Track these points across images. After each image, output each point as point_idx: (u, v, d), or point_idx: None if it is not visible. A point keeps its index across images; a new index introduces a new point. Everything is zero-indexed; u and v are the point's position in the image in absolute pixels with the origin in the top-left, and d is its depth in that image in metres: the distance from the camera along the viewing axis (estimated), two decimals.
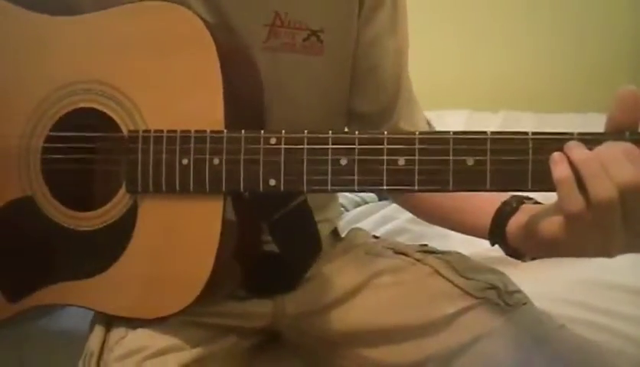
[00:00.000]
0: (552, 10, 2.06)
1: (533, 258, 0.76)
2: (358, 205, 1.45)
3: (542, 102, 1.99)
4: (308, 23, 0.82)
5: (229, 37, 0.78)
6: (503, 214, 0.76)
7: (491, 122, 1.88)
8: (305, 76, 0.85)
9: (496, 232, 0.77)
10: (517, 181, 0.63)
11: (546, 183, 0.62)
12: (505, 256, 1.15)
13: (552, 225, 0.64)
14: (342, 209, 1.35)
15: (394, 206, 1.35)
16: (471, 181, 0.64)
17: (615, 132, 0.61)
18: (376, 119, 0.92)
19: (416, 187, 0.65)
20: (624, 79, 2.09)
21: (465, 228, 0.86)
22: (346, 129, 0.95)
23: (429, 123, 1.00)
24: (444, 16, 2.07)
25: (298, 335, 0.87)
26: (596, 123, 1.95)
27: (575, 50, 2.08)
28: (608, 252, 0.62)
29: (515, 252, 0.76)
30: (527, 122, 1.88)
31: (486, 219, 0.78)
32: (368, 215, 1.39)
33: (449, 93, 1.99)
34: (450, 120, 1.82)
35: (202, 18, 0.72)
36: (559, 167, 0.60)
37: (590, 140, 0.62)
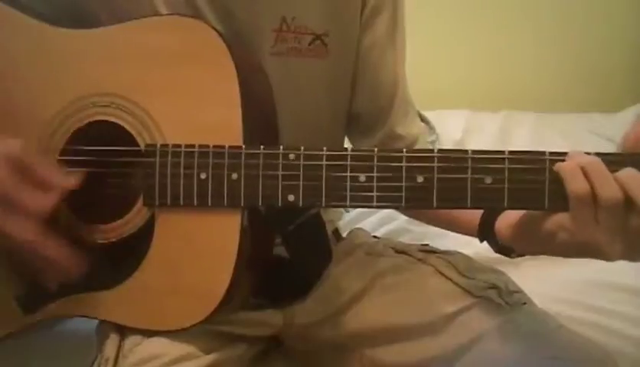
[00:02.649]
0: (552, 10, 2.06)
1: (520, 255, 0.78)
2: None
3: (542, 102, 2.00)
4: (313, 27, 0.84)
5: (243, 50, 0.78)
6: (491, 213, 0.78)
7: (491, 122, 1.88)
8: (310, 80, 0.86)
9: (485, 230, 0.79)
10: (534, 200, 0.64)
11: (562, 201, 0.63)
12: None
13: (555, 221, 0.66)
14: (342, 210, 1.35)
15: None
16: (489, 199, 0.65)
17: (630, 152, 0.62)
18: (370, 122, 0.93)
19: (435, 204, 0.66)
20: (624, 79, 2.10)
21: (458, 227, 0.88)
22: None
23: (428, 123, 1.00)
24: (444, 16, 2.06)
25: (303, 341, 0.88)
26: (597, 123, 1.96)
27: (575, 50, 2.08)
28: (607, 255, 0.64)
29: (503, 249, 0.78)
30: (527, 122, 1.88)
31: (476, 216, 0.80)
32: (368, 216, 1.40)
33: (449, 93, 1.99)
34: (450, 120, 1.82)
35: (219, 32, 0.73)
36: (558, 163, 0.64)
37: (606, 159, 0.63)
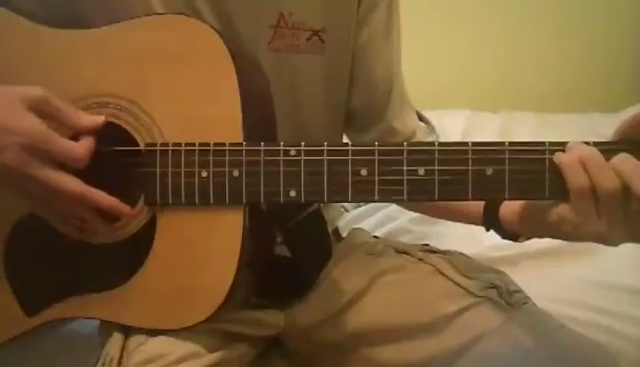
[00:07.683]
0: (553, 9, 2.06)
1: (528, 239, 0.78)
2: (359, 206, 1.45)
3: (542, 102, 2.00)
4: (311, 23, 0.84)
5: (240, 47, 0.78)
6: (494, 201, 0.78)
7: (491, 122, 1.88)
8: (308, 76, 0.86)
9: (490, 219, 0.79)
10: (535, 190, 0.65)
11: (562, 191, 0.64)
12: (506, 256, 1.17)
13: (558, 213, 0.66)
14: (342, 209, 1.35)
15: (395, 206, 1.36)
16: (490, 190, 0.66)
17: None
18: (367, 117, 0.94)
19: (436, 197, 0.66)
20: (625, 79, 2.10)
21: (460, 216, 0.88)
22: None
23: (428, 123, 1.01)
24: (444, 16, 2.07)
25: (304, 342, 0.88)
26: (597, 123, 1.96)
27: (576, 50, 2.08)
28: (610, 242, 0.65)
29: (510, 235, 0.78)
30: (527, 122, 1.88)
31: (478, 205, 0.81)
32: (369, 216, 1.39)
33: (449, 93, 1.99)
34: (450, 120, 1.81)
35: (216, 30, 0.73)
36: (558, 154, 0.65)
37: (605, 149, 0.64)
